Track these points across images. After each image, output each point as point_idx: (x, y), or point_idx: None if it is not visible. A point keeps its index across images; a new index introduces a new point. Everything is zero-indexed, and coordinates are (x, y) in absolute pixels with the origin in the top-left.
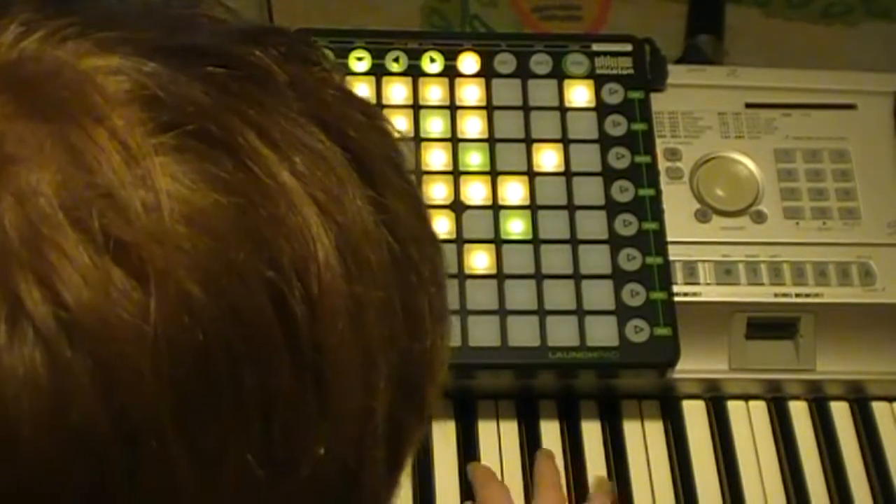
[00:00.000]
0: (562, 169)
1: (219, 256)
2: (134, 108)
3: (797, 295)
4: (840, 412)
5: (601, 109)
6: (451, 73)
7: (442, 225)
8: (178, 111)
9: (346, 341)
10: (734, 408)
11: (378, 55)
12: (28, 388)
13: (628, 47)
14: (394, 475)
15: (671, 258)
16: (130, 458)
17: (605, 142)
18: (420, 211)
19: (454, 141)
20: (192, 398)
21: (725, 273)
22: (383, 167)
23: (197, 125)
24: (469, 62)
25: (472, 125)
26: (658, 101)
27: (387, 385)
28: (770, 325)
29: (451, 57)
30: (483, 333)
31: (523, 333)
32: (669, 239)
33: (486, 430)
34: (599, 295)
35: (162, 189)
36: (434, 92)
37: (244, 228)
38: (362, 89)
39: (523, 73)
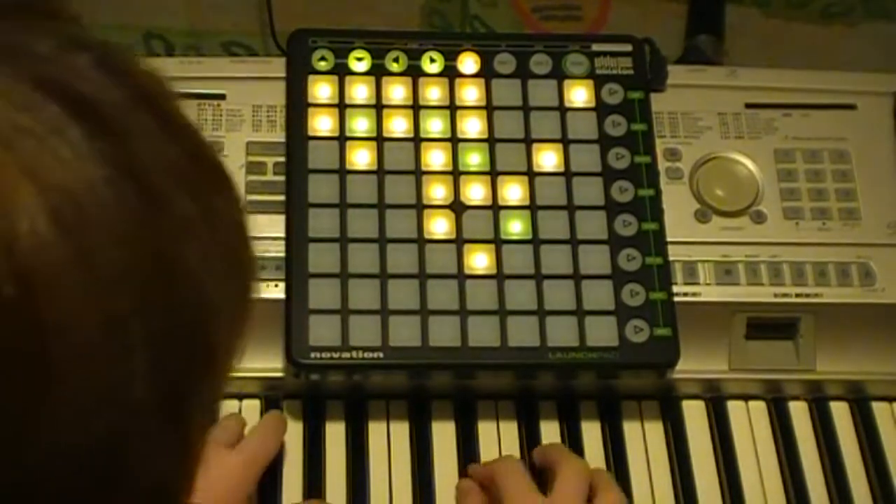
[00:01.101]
0: (561, 169)
1: None
2: None
3: (797, 295)
4: (840, 412)
5: (601, 110)
6: (450, 74)
7: (441, 225)
8: None
9: (69, 309)
10: (734, 408)
11: (378, 55)
12: None
13: (628, 47)
14: (179, 439)
15: (671, 258)
16: None
17: (605, 142)
18: (196, 151)
19: (454, 141)
20: None
21: (725, 273)
22: (127, 114)
23: None
24: (469, 62)
25: (472, 125)
26: (658, 102)
27: (145, 343)
28: (770, 326)
29: (451, 57)
30: (483, 334)
31: (523, 334)
32: (669, 239)
33: (486, 431)
34: (599, 295)
35: None
36: (434, 92)
37: None
38: (362, 90)
39: (523, 73)
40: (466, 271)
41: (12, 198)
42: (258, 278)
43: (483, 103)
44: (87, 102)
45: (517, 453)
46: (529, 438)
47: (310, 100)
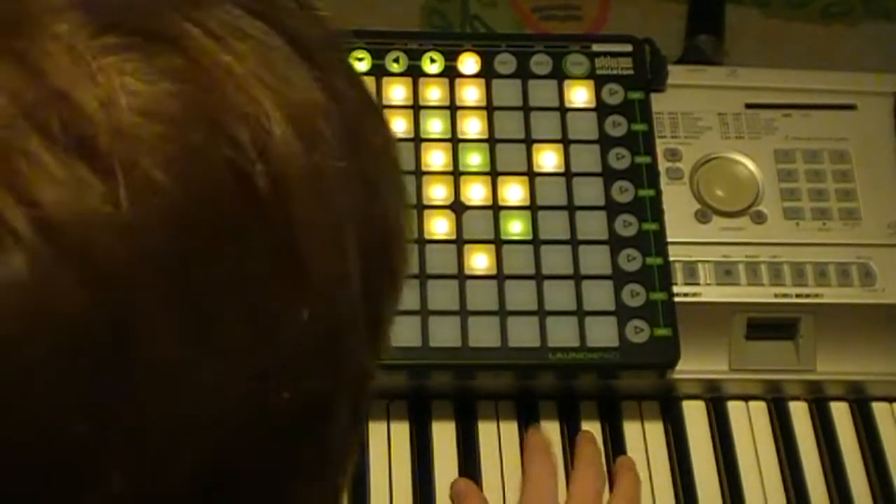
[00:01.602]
0: (562, 169)
1: (177, 141)
2: (74, 14)
3: (797, 295)
4: (840, 413)
5: (601, 110)
6: (451, 74)
7: (442, 225)
8: (120, 11)
9: (311, 211)
10: (734, 408)
11: (378, 55)
12: (13, 290)
13: (628, 48)
14: (374, 346)
15: (671, 259)
16: (120, 343)
17: (606, 142)
18: (361, 87)
19: (454, 141)
20: (171, 278)
21: (725, 273)
22: (323, 50)
23: (139, 24)
24: (469, 62)
25: (472, 126)
26: (658, 102)
27: (356, 249)
28: (770, 326)
29: (451, 57)
30: (483, 334)
31: (523, 334)
32: (669, 239)
33: (486, 431)
34: (599, 295)
35: (114, 85)
36: (434, 92)
37: (197, 112)
38: None
39: (523, 73)
40: (467, 271)
41: (262, 108)
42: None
43: (483, 104)
44: (300, 38)
45: (517, 454)
46: None
47: None
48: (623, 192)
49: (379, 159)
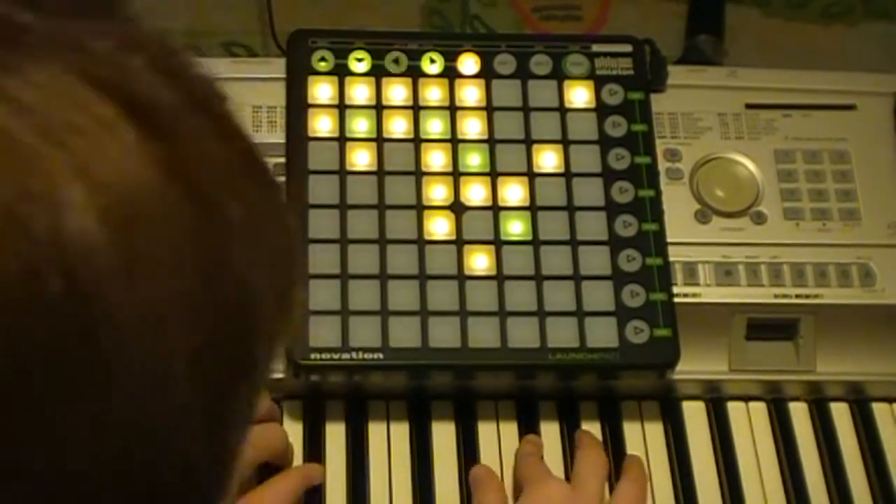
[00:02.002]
0: (562, 170)
1: None
2: None
3: (797, 296)
4: (840, 413)
5: (601, 110)
6: (450, 74)
7: (441, 226)
8: None
9: (118, 305)
10: (734, 409)
11: (378, 56)
12: None
13: (628, 48)
14: (217, 442)
15: (671, 259)
16: None
17: (605, 143)
18: (241, 147)
19: (454, 142)
20: None
21: (725, 274)
22: (170, 111)
23: None
24: (469, 63)
25: (472, 126)
26: (658, 102)
27: (188, 345)
28: (770, 326)
29: (451, 58)
30: (483, 334)
31: (523, 334)
32: (669, 240)
33: (486, 431)
34: (599, 296)
35: None
36: (434, 93)
37: None
38: (362, 90)
39: (523, 73)
40: (466, 272)
41: (62, 195)
42: (303, 283)
43: (483, 104)
44: (141, 103)
45: None
46: None
47: (310, 100)
48: (623, 192)
49: (243, 240)
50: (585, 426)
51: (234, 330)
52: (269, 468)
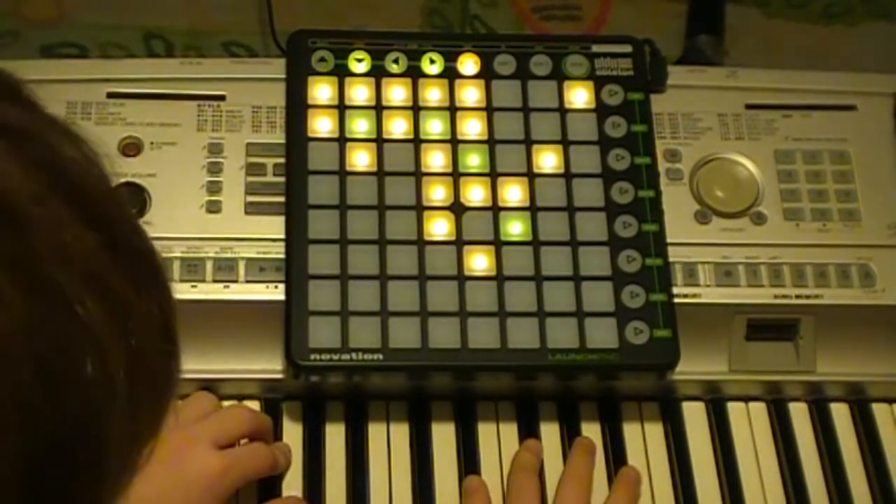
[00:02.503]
0: (561, 170)
1: None
2: None
3: (797, 296)
4: (840, 414)
5: (601, 111)
6: (450, 75)
7: (441, 226)
8: None
9: None
10: (734, 409)
11: (378, 56)
12: None
13: (628, 48)
14: None
15: (671, 260)
16: None
17: (605, 143)
18: (108, 237)
19: (454, 142)
20: None
21: (725, 274)
22: (23, 200)
23: None
24: (469, 63)
25: (472, 126)
26: (658, 102)
27: (21, 454)
28: (770, 327)
29: (451, 58)
30: (483, 335)
31: (523, 335)
32: (669, 240)
33: (486, 432)
34: (599, 297)
35: None
36: (434, 93)
37: None
38: (362, 91)
39: (523, 74)
40: (466, 273)
41: None
42: (176, 391)
43: (483, 104)
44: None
45: None
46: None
47: (310, 101)
48: (623, 193)
49: (89, 332)
50: (585, 427)
51: (72, 438)
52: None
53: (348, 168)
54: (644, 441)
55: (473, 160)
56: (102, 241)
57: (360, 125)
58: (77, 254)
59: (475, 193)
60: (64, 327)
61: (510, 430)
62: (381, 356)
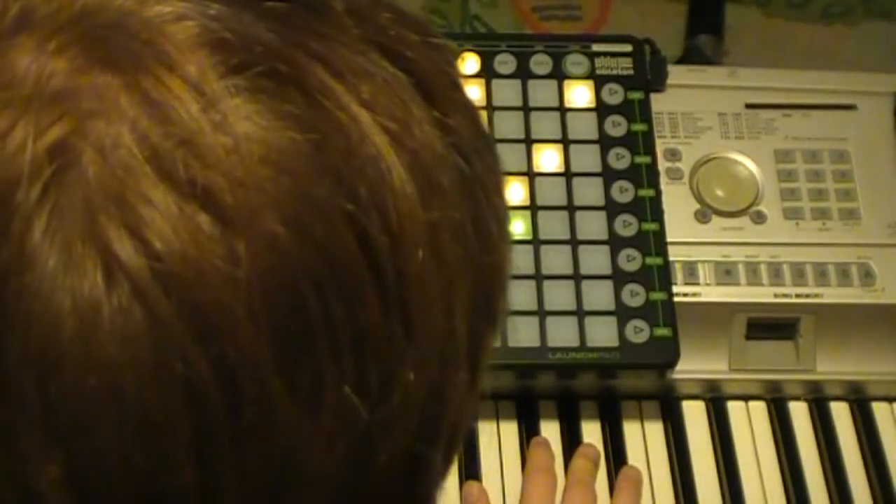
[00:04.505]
0: (562, 169)
1: (300, 195)
2: (204, 53)
3: (797, 295)
4: (840, 413)
5: (601, 110)
6: None
7: None
8: (247, 52)
9: (426, 267)
10: (734, 408)
11: None
12: (129, 340)
13: (628, 48)
14: (474, 388)
15: (671, 258)
16: (232, 401)
17: (605, 142)
18: (477, 121)
19: None
20: (287, 337)
21: (725, 273)
22: (443, 84)
23: (266, 65)
24: (469, 62)
25: None
26: (658, 102)
27: (465, 304)
28: (770, 326)
29: None
30: None
31: (523, 334)
32: (669, 239)
33: (486, 431)
34: (599, 295)
35: (240, 132)
36: None
37: (321, 164)
38: None
39: (523, 73)
40: None
41: (384, 159)
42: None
43: (483, 104)
44: (422, 75)
45: (517, 453)
46: (530, 438)
47: None
48: (623, 192)
49: (492, 202)
50: (585, 426)
51: (489, 285)
52: None
53: None
54: (644, 440)
55: None
56: (470, 122)
57: None
58: (466, 131)
59: None
60: (478, 193)
61: (511, 429)
62: None
